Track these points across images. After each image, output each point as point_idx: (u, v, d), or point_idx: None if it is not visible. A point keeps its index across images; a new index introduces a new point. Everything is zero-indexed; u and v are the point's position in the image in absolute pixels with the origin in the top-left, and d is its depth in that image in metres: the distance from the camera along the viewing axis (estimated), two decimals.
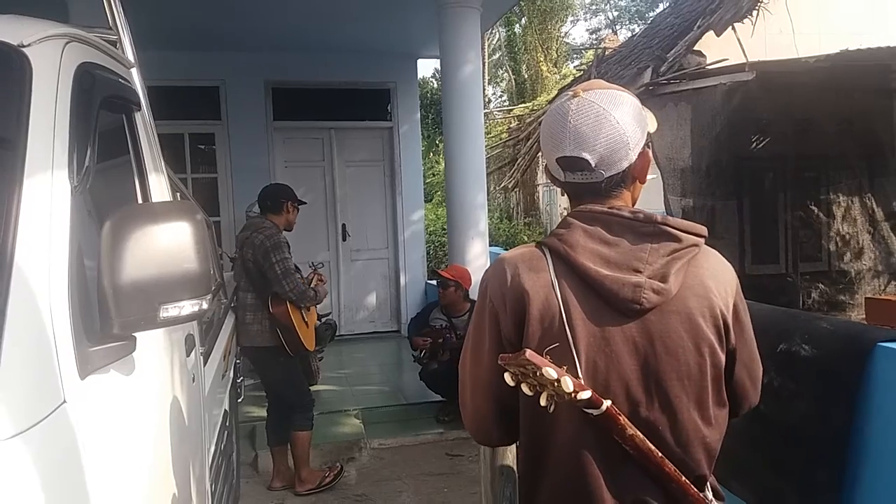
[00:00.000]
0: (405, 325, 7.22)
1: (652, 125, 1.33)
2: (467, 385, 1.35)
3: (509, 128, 14.69)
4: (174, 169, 3.55)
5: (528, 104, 17.53)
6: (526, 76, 21.72)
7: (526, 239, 13.35)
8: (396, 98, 8.04)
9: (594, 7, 31.78)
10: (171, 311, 1.27)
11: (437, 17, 5.64)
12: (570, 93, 1.29)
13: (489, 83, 23.93)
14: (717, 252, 1.32)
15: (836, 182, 6.57)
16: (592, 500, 1.22)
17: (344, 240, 7.96)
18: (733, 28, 5.79)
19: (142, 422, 1.49)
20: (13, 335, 1.07)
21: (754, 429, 2.17)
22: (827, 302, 6.35)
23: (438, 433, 4.89)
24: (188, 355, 2.07)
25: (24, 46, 1.38)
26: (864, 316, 5.57)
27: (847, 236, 6.48)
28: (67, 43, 1.50)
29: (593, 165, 1.23)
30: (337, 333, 6.70)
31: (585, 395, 1.12)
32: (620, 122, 1.24)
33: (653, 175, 1.37)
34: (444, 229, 9.26)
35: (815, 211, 6.46)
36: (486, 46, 20.45)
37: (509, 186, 10.67)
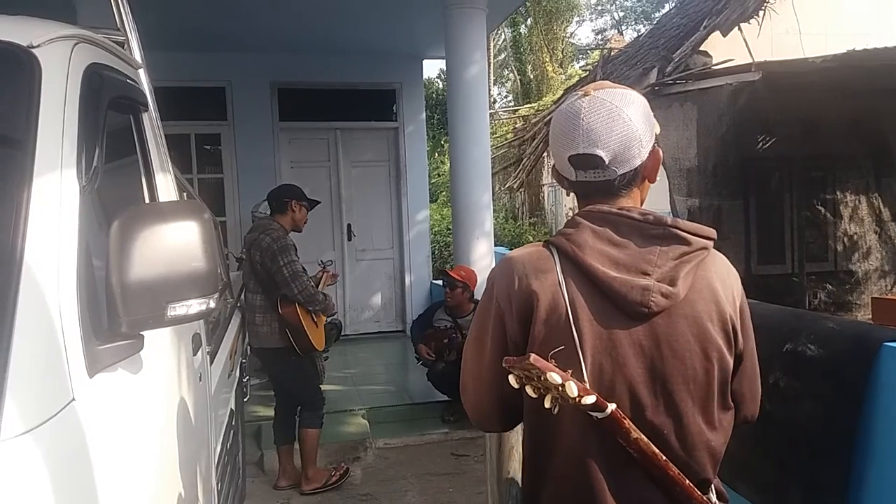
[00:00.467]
0: (410, 325, 7.23)
1: (656, 127, 1.33)
2: (468, 377, 1.35)
3: (514, 128, 14.67)
4: (180, 169, 3.57)
5: (533, 104, 17.50)
6: (531, 76, 21.70)
7: (531, 239, 13.35)
8: (402, 98, 8.04)
9: (600, 8, 31.75)
10: (178, 309, 1.28)
11: (442, 17, 5.65)
12: (581, 92, 1.29)
13: (494, 84, 23.92)
14: (722, 255, 1.32)
15: (843, 182, 6.55)
16: (596, 502, 1.21)
17: (349, 240, 7.97)
18: (739, 28, 5.78)
19: (149, 420, 1.50)
20: (23, 333, 1.08)
21: (760, 429, 2.16)
22: (834, 302, 6.33)
23: (444, 433, 4.90)
24: (195, 354, 2.08)
25: (33, 47, 1.39)
26: (870, 316, 5.55)
27: (854, 236, 6.46)
28: (76, 44, 1.51)
29: (607, 162, 1.23)
30: (342, 333, 6.71)
31: (590, 399, 1.12)
32: (632, 119, 1.24)
33: (658, 176, 1.36)
34: (449, 229, 9.26)
35: (822, 211, 6.45)
36: (492, 47, 20.46)
37: (514, 187, 10.66)
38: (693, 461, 1.24)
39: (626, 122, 1.23)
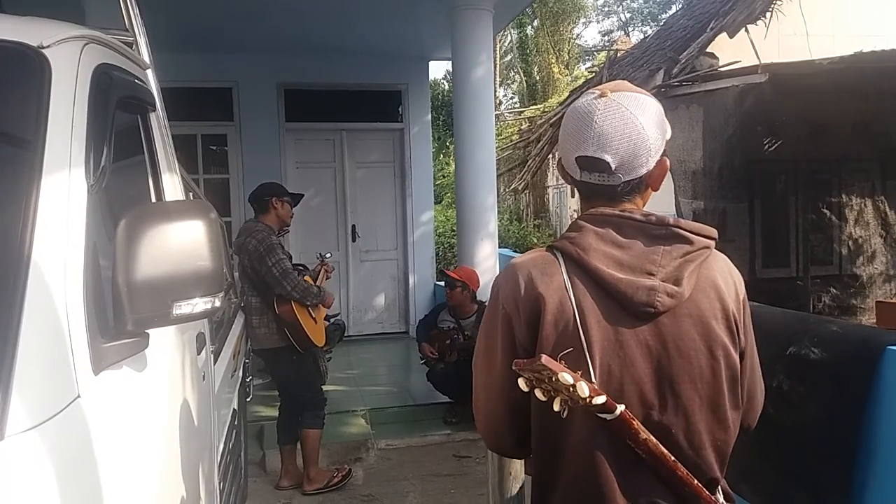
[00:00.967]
0: (413, 327, 7.23)
1: (667, 132, 1.32)
2: (480, 391, 1.34)
3: (520, 129, 14.68)
4: (186, 170, 3.57)
5: (539, 106, 17.51)
6: (537, 78, 21.72)
7: (535, 241, 13.34)
8: (408, 100, 8.05)
9: (606, 9, 31.72)
10: (183, 308, 1.29)
11: (449, 19, 5.66)
12: (598, 91, 1.27)
13: (500, 85, 23.92)
14: (722, 254, 1.32)
15: (849, 185, 6.53)
16: (605, 503, 1.21)
17: (354, 240, 7.99)
18: (746, 30, 5.77)
19: (153, 418, 1.51)
20: (30, 330, 1.09)
21: (764, 432, 2.16)
22: (838, 306, 6.31)
23: (446, 434, 4.90)
24: (199, 353, 2.09)
25: (43, 48, 1.40)
26: (875, 320, 5.53)
27: (859, 240, 6.44)
28: (86, 44, 1.52)
29: (613, 168, 1.22)
30: (345, 334, 6.72)
31: (600, 400, 1.12)
32: (645, 127, 1.23)
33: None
34: (453, 231, 9.27)
35: (828, 214, 6.42)
36: (498, 48, 20.45)
37: (519, 188, 10.65)
38: (701, 460, 1.24)
39: (639, 129, 1.22)
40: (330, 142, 7.92)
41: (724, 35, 5.91)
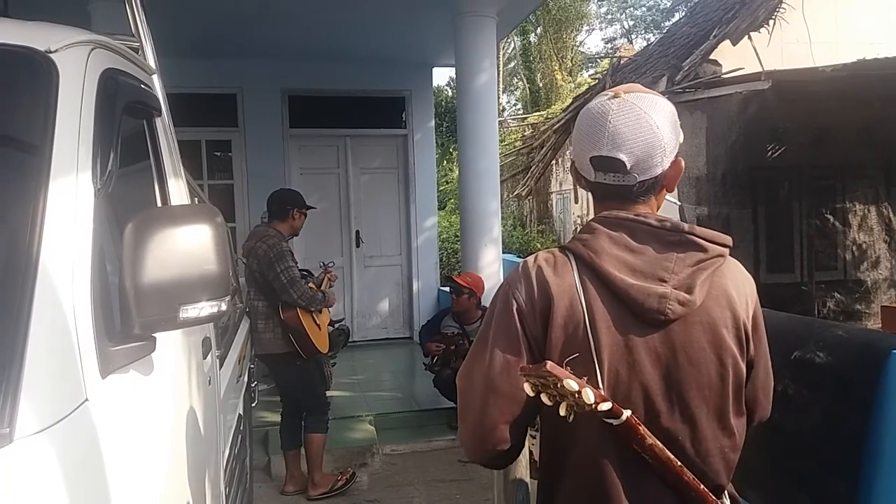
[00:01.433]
0: (417, 332, 7.23)
1: (679, 136, 1.31)
2: (475, 396, 1.25)
3: (523, 136, 14.69)
4: (191, 175, 3.59)
5: (542, 112, 17.51)
6: (540, 85, 21.74)
7: (539, 246, 13.33)
8: (411, 106, 8.08)
9: (609, 17, 31.81)
10: (190, 311, 1.29)
11: (452, 25, 5.67)
12: (611, 93, 1.26)
13: (504, 91, 23.98)
14: (737, 262, 1.31)
15: (853, 191, 6.52)
16: None
17: (357, 246, 8.00)
18: (749, 37, 5.78)
19: (160, 422, 1.51)
20: (38, 334, 1.09)
21: (769, 436, 2.16)
22: (843, 311, 6.29)
23: (451, 439, 4.89)
24: (204, 358, 2.09)
25: (51, 52, 1.41)
26: (880, 325, 5.52)
27: (863, 245, 6.43)
28: (93, 49, 1.53)
29: (628, 168, 1.21)
30: (350, 339, 6.72)
31: (606, 406, 1.11)
32: (660, 127, 1.22)
33: None
34: (457, 236, 9.28)
35: (831, 220, 6.42)
36: (501, 55, 20.53)
37: (523, 194, 10.67)
38: (707, 468, 1.24)
39: (653, 129, 1.21)
40: (334, 148, 7.94)
41: (727, 42, 5.92)
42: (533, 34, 22.11)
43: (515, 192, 12.23)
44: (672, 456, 1.18)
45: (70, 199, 1.27)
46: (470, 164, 5.66)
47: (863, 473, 2.00)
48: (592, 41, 40.97)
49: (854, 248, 6.43)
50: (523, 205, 16.33)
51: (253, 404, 3.91)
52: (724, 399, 1.24)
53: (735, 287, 1.26)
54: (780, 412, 2.13)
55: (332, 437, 4.31)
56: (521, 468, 2.22)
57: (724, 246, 1.26)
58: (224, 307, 1.35)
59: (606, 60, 17.49)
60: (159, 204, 1.88)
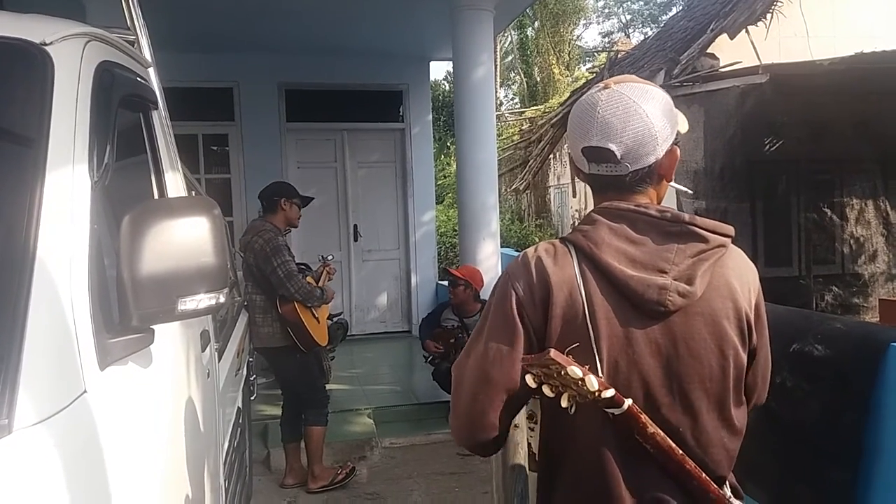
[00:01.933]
0: (416, 326, 7.24)
1: (683, 126, 1.31)
2: (466, 384, 1.26)
3: (521, 130, 14.69)
4: (188, 169, 3.58)
5: (539, 107, 17.52)
6: (538, 79, 21.73)
7: (537, 240, 13.29)
8: (409, 100, 8.06)
9: (607, 11, 31.72)
10: (188, 304, 1.29)
11: (449, 19, 5.66)
12: (601, 84, 1.27)
13: (501, 86, 23.93)
14: (740, 250, 1.30)
15: (850, 185, 6.54)
16: (611, 498, 1.21)
17: (355, 240, 8.00)
18: (747, 31, 5.78)
19: (158, 414, 1.51)
20: (36, 326, 1.09)
21: (767, 429, 2.17)
22: (840, 304, 6.31)
23: (449, 433, 4.89)
24: (203, 351, 2.09)
25: (46, 44, 1.40)
26: (878, 318, 5.54)
27: (861, 239, 6.45)
28: (88, 42, 1.52)
29: (619, 157, 1.21)
30: (348, 333, 6.73)
31: (609, 393, 1.11)
32: (650, 115, 1.22)
33: None
34: (455, 231, 9.27)
35: (829, 214, 6.43)
36: (499, 49, 20.47)
37: (521, 188, 10.67)
38: (708, 458, 1.24)
39: (643, 118, 1.21)
40: (331, 142, 7.93)
41: (724, 36, 5.92)
42: (530, 28, 22.08)
43: (513, 187, 12.24)
44: (674, 445, 1.18)
45: (67, 191, 1.27)
46: (468, 158, 5.65)
47: (861, 465, 2.01)
48: (590, 35, 41.04)
49: (852, 241, 6.45)
50: (521, 199, 16.34)
51: (252, 398, 3.91)
52: (724, 390, 1.24)
53: (738, 277, 1.26)
54: (780, 405, 2.14)
55: (332, 431, 4.31)
56: (521, 460, 2.22)
57: (726, 236, 1.25)
58: (222, 299, 1.34)
59: (604, 54, 17.46)
60: (156, 197, 1.88)
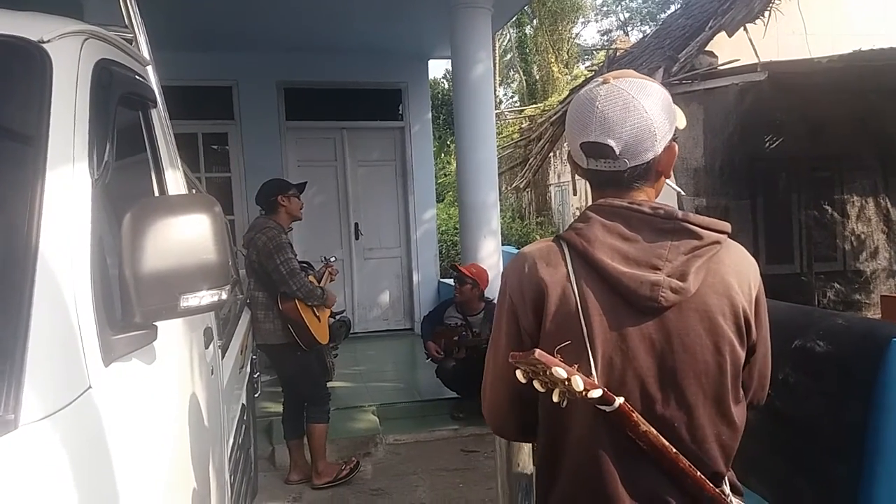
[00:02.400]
0: (418, 324, 7.24)
1: (681, 121, 1.31)
2: (487, 378, 1.36)
3: (521, 128, 14.69)
4: (188, 168, 3.57)
5: (539, 105, 17.51)
6: (537, 77, 21.72)
7: (538, 238, 13.32)
8: (408, 98, 8.06)
9: (605, 9, 31.73)
10: (191, 300, 1.29)
11: (448, 17, 5.66)
12: (601, 79, 1.27)
13: (500, 84, 23.93)
14: (739, 245, 1.30)
15: (851, 182, 6.53)
16: (607, 496, 1.21)
17: (357, 238, 8.00)
18: (745, 29, 5.77)
19: (163, 410, 1.51)
20: (40, 323, 1.09)
21: (770, 425, 2.17)
22: (842, 301, 6.31)
23: (453, 429, 4.91)
24: (207, 347, 2.09)
25: (44, 42, 1.40)
26: (879, 314, 5.54)
27: (862, 236, 6.44)
28: (86, 39, 1.52)
29: (617, 153, 1.21)
30: (350, 331, 6.74)
31: (596, 393, 1.12)
32: (649, 111, 1.22)
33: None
34: (455, 229, 9.28)
35: (830, 211, 6.43)
36: (498, 47, 20.46)
37: (521, 186, 10.65)
38: (704, 454, 1.24)
39: (642, 113, 1.21)
40: (331, 140, 7.93)
41: (723, 34, 5.90)
42: (529, 26, 22.06)
43: (514, 185, 12.23)
44: (667, 443, 1.18)
45: (67, 189, 1.27)
46: (468, 156, 5.65)
47: (864, 460, 2.01)
48: (588, 33, 41.02)
49: (852, 238, 6.45)
50: (522, 197, 16.35)
51: (256, 395, 3.91)
52: (721, 387, 1.23)
53: (736, 273, 1.25)
54: (782, 401, 2.14)
55: (336, 428, 4.32)
56: (525, 457, 2.22)
57: (721, 232, 1.25)
58: (224, 296, 1.35)
59: (602, 52, 17.45)
60: (157, 195, 1.88)
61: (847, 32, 8.19)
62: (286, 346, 3.95)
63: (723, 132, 5.77)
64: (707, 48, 6.13)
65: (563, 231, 1.31)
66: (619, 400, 1.14)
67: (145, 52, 2.04)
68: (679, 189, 1.77)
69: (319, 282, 4.23)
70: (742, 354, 1.26)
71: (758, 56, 5.47)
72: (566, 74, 21.24)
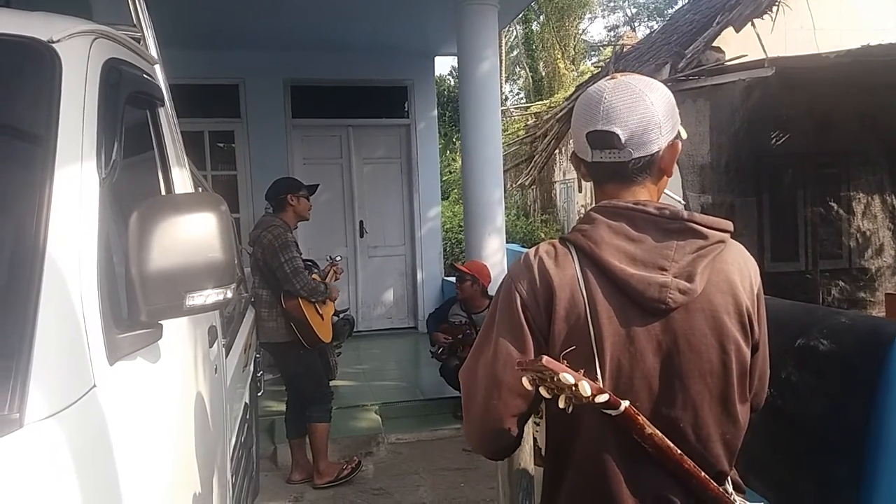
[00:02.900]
0: (422, 322, 7.25)
1: (682, 133, 1.31)
2: (478, 390, 1.26)
3: (526, 125, 14.65)
4: (195, 166, 3.59)
5: (545, 101, 17.46)
6: (543, 73, 21.67)
7: (543, 236, 13.34)
8: (414, 95, 8.06)
9: (612, 4, 31.65)
10: (196, 299, 1.30)
11: (454, 14, 5.65)
12: (608, 76, 1.29)
13: (506, 81, 23.89)
14: (739, 244, 1.31)
15: (857, 179, 6.49)
16: (613, 498, 1.22)
17: (361, 236, 8.01)
18: (753, 24, 5.75)
19: (167, 409, 1.52)
20: (46, 321, 1.10)
21: (772, 424, 2.17)
22: (847, 299, 6.28)
23: (455, 429, 4.91)
24: (211, 346, 2.10)
25: (53, 42, 1.41)
26: (884, 312, 5.52)
27: (867, 233, 6.41)
28: (95, 39, 1.53)
29: (623, 141, 1.22)
30: (354, 329, 6.75)
31: (603, 398, 1.12)
32: (654, 104, 1.23)
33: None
34: (460, 227, 9.27)
35: (836, 208, 6.39)
36: (504, 44, 20.43)
37: (526, 184, 10.64)
38: (708, 453, 1.25)
39: (648, 105, 1.23)
40: (337, 138, 7.94)
41: (730, 29, 5.89)
42: (535, 22, 22.00)
43: (519, 182, 12.21)
44: (672, 444, 1.19)
45: (75, 188, 1.28)
46: (473, 154, 5.65)
47: (866, 459, 2.01)
48: (595, 29, 40.90)
49: (858, 235, 6.41)
50: (527, 194, 16.32)
51: (259, 393, 3.93)
52: (727, 386, 1.24)
53: (738, 271, 1.26)
54: (784, 399, 2.14)
55: (338, 427, 4.33)
56: (525, 456, 2.23)
57: (725, 231, 1.26)
58: (230, 295, 1.36)
59: (609, 48, 17.40)
60: (164, 193, 1.89)
61: (855, 27, 8.15)
62: (289, 344, 3.96)
63: (729, 129, 5.74)
64: (714, 44, 6.11)
65: (567, 233, 1.31)
66: (625, 403, 1.15)
67: (153, 50, 2.06)
68: (679, 199, 1.78)
69: (324, 280, 4.25)
70: (747, 352, 1.26)
71: (765, 51, 5.45)
72: (572, 71, 21.18)
